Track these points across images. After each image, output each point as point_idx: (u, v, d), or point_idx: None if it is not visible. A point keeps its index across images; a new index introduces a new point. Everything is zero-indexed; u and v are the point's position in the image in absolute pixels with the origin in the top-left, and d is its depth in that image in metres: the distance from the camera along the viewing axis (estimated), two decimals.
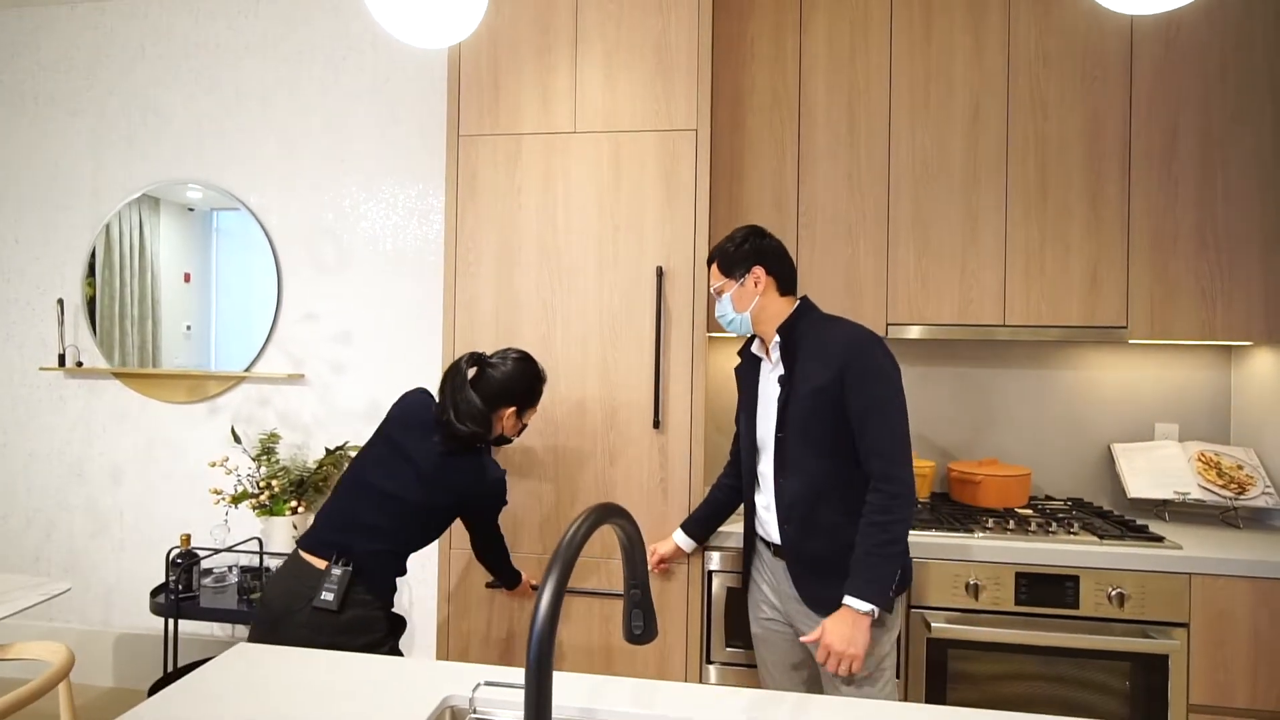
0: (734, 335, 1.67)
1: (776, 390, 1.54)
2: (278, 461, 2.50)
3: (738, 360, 1.71)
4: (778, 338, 1.53)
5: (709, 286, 1.65)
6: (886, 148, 2.13)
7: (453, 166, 2.01)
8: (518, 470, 1.98)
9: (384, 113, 2.60)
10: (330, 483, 2.51)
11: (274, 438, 2.53)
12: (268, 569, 2.39)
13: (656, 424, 1.90)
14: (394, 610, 1.67)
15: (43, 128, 2.80)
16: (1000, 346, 2.34)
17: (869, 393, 1.42)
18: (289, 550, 2.07)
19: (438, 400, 1.62)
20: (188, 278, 2.66)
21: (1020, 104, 2.07)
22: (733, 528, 1.89)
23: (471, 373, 1.64)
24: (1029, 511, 2.08)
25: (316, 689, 1.07)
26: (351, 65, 2.62)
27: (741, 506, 1.81)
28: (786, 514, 1.53)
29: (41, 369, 2.73)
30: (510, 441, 1.80)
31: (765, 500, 1.59)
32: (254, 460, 2.49)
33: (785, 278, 1.57)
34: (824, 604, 1.48)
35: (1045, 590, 1.78)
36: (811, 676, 1.62)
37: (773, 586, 1.61)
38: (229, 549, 2.40)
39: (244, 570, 2.44)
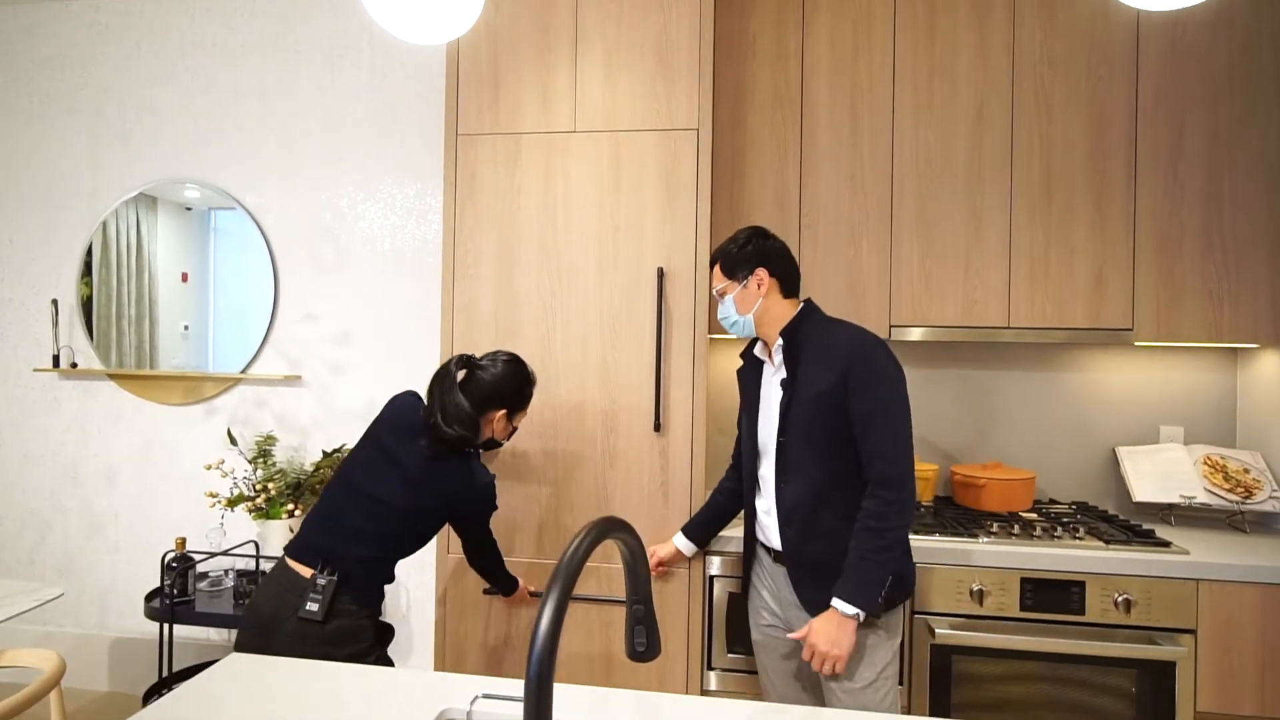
0: (736, 337, 1.64)
1: (779, 394, 1.52)
2: (274, 464, 2.47)
3: (739, 361, 1.68)
4: (780, 341, 1.51)
5: (711, 288, 1.62)
6: (890, 147, 2.10)
7: (451, 166, 1.98)
8: (516, 474, 1.96)
9: (382, 111, 2.58)
10: None
11: (270, 440, 2.50)
12: (263, 572, 2.36)
13: (657, 427, 1.88)
14: (382, 618, 1.64)
15: (38, 126, 2.77)
16: (1004, 348, 2.31)
17: (872, 397, 1.40)
18: None
19: (426, 403, 1.60)
20: (185, 277, 2.64)
21: (1025, 104, 2.05)
22: (734, 532, 1.87)
23: (461, 375, 1.62)
24: (1033, 516, 2.05)
25: (311, 701, 1.05)
26: (349, 64, 2.59)
27: (742, 511, 1.79)
28: (787, 518, 1.50)
29: (36, 370, 2.70)
30: (500, 446, 1.77)
31: (766, 505, 1.57)
32: (250, 463, 2.46)
33: (789, 280, 1.55)
34: (823, 610, 1.46)
35: (1051, 596, 1.76)
36: (812, 683, 1.60)
37: (773, 593, 1.59)
38: (225, 553, 2.38)
39: (240, 574, 2.42)
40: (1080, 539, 1.84)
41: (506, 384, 1.63)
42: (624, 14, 1.91)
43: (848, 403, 1.42)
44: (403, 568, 2.56)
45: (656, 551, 1.83)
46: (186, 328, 2.64)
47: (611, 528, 0.59)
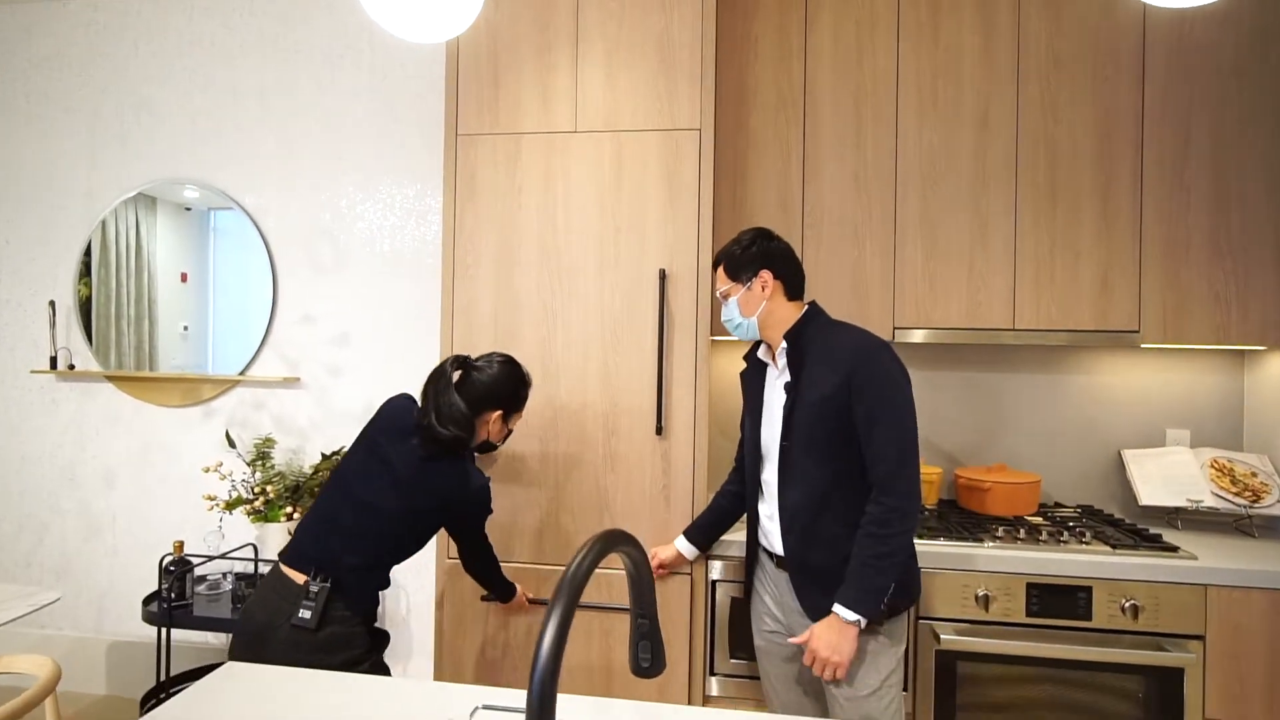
0: (740, 339, 1.62)
1: (782, 398, 1.50)
2: (273, 466, 2.45)
3: (742, 363, 1.67)
4: (785, 344, 1.49)
5: (714, 290, 1.60)
6: (894, 148, 2.08)
7: (451, 166, 1.96)
8: (516, 477, 1.94)
9: (382, 111, 2.56)
10: None
11: (269, 442, 2.49)
12: (262, 576, 2.34)
13: (659, 430, 1.86)
14: (378, 624, 1.62)
15: (35, 126, 2.75)
16: (1008, 350, 2.29)
17: (876, 401, 1.38)
18: None
19: (420, 404, 1.58)
20: (185, 278, 2.62)
21: (1030, 104, 2.03)
22: (736, 536, 1.85)
23: (456, 376, 1.60)
24: (1039, 520, 2.04)
25: (308, 713, 1.03)
26: (349, 63, 2.58)
27: (745, 515, 1.77)
28: (789, 523, 1.49)
29: (33, 371, 2.68)
30: (495, 448, 1.75)
31: (769, 510, 1.55)
32: (249, 465, 2.44)
33: (793, 282, 1.53)
34: (826, 616, 1.44)
35: (1057, 601, 1.74)
36: (816, 690, 1.58)
37: (775, 598, 1.57)
38: (223, 556, 2.36)
39: (239, 577, 2.40)
40: (1087, 543, 1.82)
41: (502, 385, 1.62)
42: (625, 13, 1.89)
43: (851, 407, 1.40)
44: (403, 571, 2.55)
45: (658, 553, 1.81)
46: (186, 328, 2.62)
47: (615, 541, 0.57)
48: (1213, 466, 2.06)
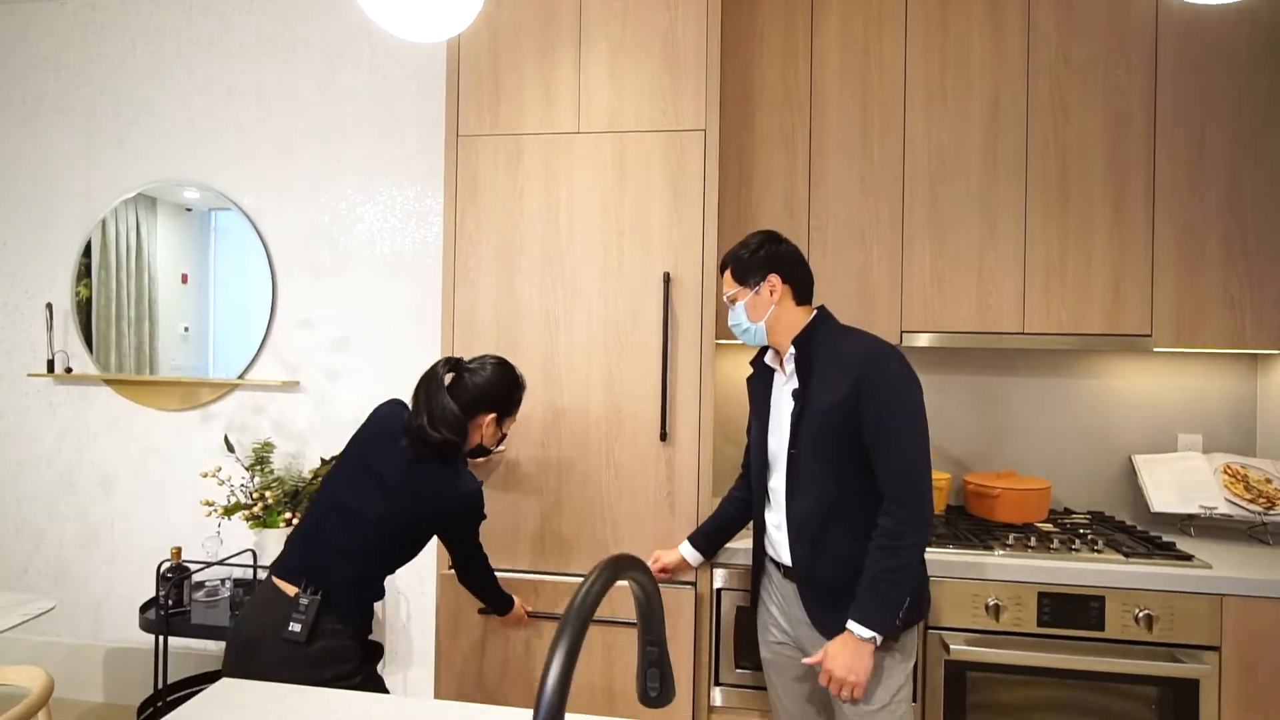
0: (747, 344, 1.59)
1: (790, 404, 1.46)
2: (272, 471, 2.42)
3: (748, 367, 1.63)
4: (793, 349, 1.46)
5: (722, 294, 1.57)
6: (901, 148, 2.05)
7: (451, 168, 1.93)
8: (517, 484, 1.91)
9: (382, 112, 2.53)
10: None
11: (268, 447, 2.46)
12: (261, 582, 2.32)
13: (663, 436, 1.83)
14: (372, 636, 1.58)
15: (32, 127, 2.73)
16: (1017, 354, 2.26)
17: (886, 409, 1.35)
18: None
19: (411, 408, 1.55)
20: (185, 278, 2.60)
21: (1040, 103, 2.00)
22: (741, 544, 1.82)
23: (449, 379, 1.57)
24: (1050, 527, 2.00)
25: None
26: (348, 63, 2.55)
27: (752, 523, 1.74)
28: (798, 533, 1.45)
29: (30, 375, 2.66)
30: (489, 453, 1.72)
31: (776, 519, 1.52)
32: (247, 470, 2.42)
33: (802, 286, 1.50)
34: (835, 630, 1.41)
35: (1069, 611, 1.71)
36: (824, 704, 1.55)
37: (782, 609, 1.54)
38: (221, 562, 2.33)
39: (237, 584, 2.37)
40: (1099, 551, 1.79)
41: (496, 387, 1.58)
42: (629, 11, 1.86)
43: (861, 415, 1.36)
44: (403, 578, 2.52)
45: (660, 557, 1.78)
46: (186, 329, 2.59)
47: (623, 567, 0.54)
48: (1226, 472, 2.02)
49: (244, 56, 2.60)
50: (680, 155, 1.84)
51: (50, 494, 2.73)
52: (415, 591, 2.52)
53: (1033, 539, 1.86)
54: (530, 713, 1.00)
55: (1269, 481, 1.98)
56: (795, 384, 1.46)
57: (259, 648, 1.44)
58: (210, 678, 2.49)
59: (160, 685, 2.28)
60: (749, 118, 2.11)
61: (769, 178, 2.10)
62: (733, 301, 1.52)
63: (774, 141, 2.10)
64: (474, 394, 1.56)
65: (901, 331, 2.05)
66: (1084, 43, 1.98)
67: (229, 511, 2.34)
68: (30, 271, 2.73)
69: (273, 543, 2.35)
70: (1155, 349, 1.96)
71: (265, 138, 2.59)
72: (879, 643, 1.35)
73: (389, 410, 1.60)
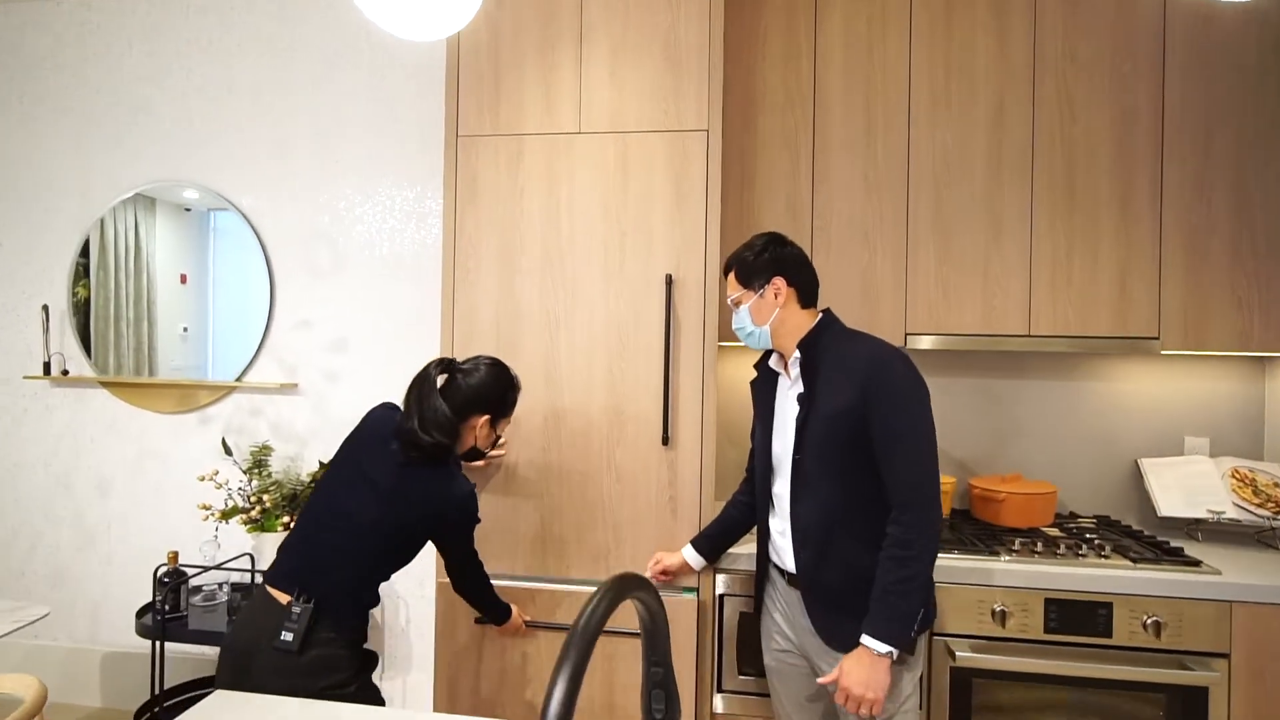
0: (752, 348, 1.57)
1: (795, 409, 1.44)
2: (270, 475, 2.40)
3: (751, 368, 1.61)
4: (798, 353, 1.44)
5: (726, 297, 1.55)
6: (906, 148, 2.03)
7: (451, 168, 1.91)
8: (517, 489, 1.89)
9: (381, 112, 2.51)
10: None
11: (266, 450, 2.43)
12: (259, 586, 2.29)
13: (665, 440, 1.81)
14: (367, 644, 1.56)
15: (29, 127, 2.70)
16: (1022, 356, 2.24)
17: (893, 415, 1.32)
18: None
19: (403, 410, 1.52)
20: (184, 279, 2.58)
21: (1046, 103, 1.98)
22: (744, 549, 1.80)
23: (441, 380, 1.54)
24: (1056, 532, 1.98)
25: None
26: (347, 63, 2.52)
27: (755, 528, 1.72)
28: (802, 540, 1.43)
29: (26, 377, 2.63)
30: (483, 456, 1.68)
31: (780, 525, 1.50)
32: (245, 473, 2.39)
33: (807, 289, 1.48)
34: (840, 638, 1.39)
35: (1076, 618, 1.69)
36: (828, 712, 1.53)
37: (786, 617, 1.52)
38: (218, 566, 2.31)
39: (235, 588, 2.35)
40: (1106, 557, 1.77)
41: (490, 388, 1.56)
42: (630, 10, 1.84)
43: (868, 420, 1.34)
44: (403, 582, 2.49)
45: (662, 559, 1.76)
46: (186, 329, 2.57)
47: (628, 587, 0.52)
48: (1234, 476, 2.00)
49: (242, 56, 2.58)
50: (683, 156, 1.82)
51: (47, 497, 2.70)
52: (415, 596, 2.50)
53: (1039, 544, 1.84)
54: None
55: (1277, 486, 1.96)
56: (800, 388, 1.43)
57: (252, 657, 1.42)
58: (208, 683, 2.47)
59: (157, 691, 2.26)
60: (751, 118, 2.09)
61: (772, 178, 2.08)
62: (737, 305, 1.50)
63: (777, 142, 2.08)
64: (467, 395, 1.53)
65: (906, 333, 2.02)
66: (1090, 40, 1.96)
67: (226, 515, 2.32)
68: (27, 273, 2.71)
69: (270, 547, 2.33)
70: (1162, 351, 1.94)
71: (263, 138, 2.57)
72: (895, 657, 1.31)
73: (381, 414, 1.58)
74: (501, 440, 1.86)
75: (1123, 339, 1.94)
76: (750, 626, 1.79)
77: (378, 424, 1.55)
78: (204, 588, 2.37)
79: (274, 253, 2.56)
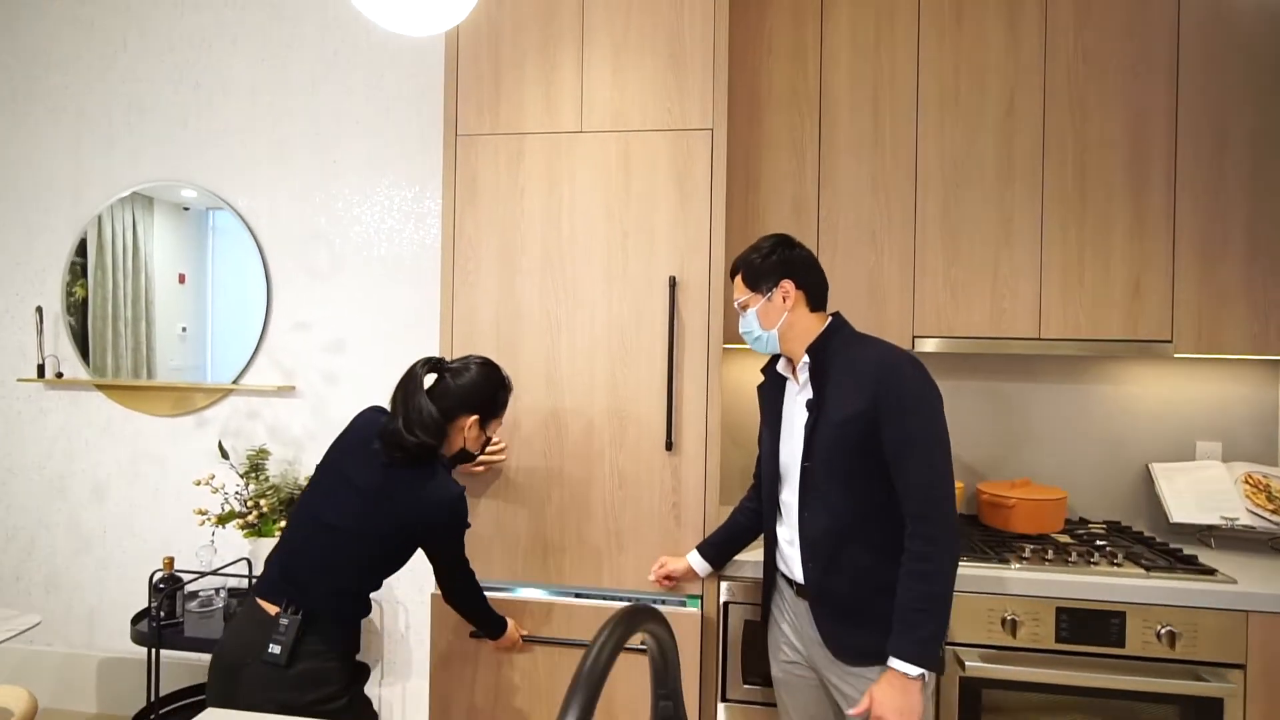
0: (759, 352, 1.53)
1: (803, 415, 1.41)
2: (267, 479, 2.37)
3: (756, 371, 1.57)
4: (807, 358, 1.40)
5: (734, 300, 1.51)
6: (914, 147, 1.99)
7: (450, 168, 1.87)
8: (517, 495, 1.85)
9: (379, 110, 2.47)
10: None
11: (263, 454, 2.40)
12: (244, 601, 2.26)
13: (669, 445, 1.77)
14: (370, 643, 1.52)
15: (20, 127, 2.67)
16: (1032, 359, 2.20)
17: (906, 423, 1.28)
18: None
19: (390, 411, 1.48)
20: (182, 279, 2.54)
21: (1058, 102, 1.94)
22: (750, 555, 1.77)
23: (430, 380, 1.50)
24: (1068, 539, 1.94)
25: None
26: (344, 60, 2.49)
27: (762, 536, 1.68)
28: (811, 550, 1.39)
29: (20, 380, 2.60)
30: (473, 458, 1.64)
31: (788, 534, 1.46)
32: (242, 477, 2.36)
33: (816, 292, 1.44)
34: (850, 651, 1.35)
35: (1088, 627, 1.65)
36: None
37: (794, 627, 1.48)
38: (215, 572, 2.28)
39: (232, 594, 2.32)
40: (1118, 565, 1.74)
41: (479, 388, 1.52)
42: (632, 7, 1.80)
43: (879, 427, 1.30)
44: (402, 587, 2.46)
45: (667, 563, 1.72)
46: (184, 329, 2.54)
47: (637, 621, 0.49)
48: (1247, 482, 1.97)
49: (237, 53, 2.54)
50: (686, 155, 1.78)
51: (41, 501, 2.67)
52: (414, 601, 2.47)
53: (1050, 551, 1.81)
54: None
55: None
56: (809, 394, 1.40)
57: (240, 670, 1.38)
58: (204, 690, 2.44)
59: (153, 698, 2.22)
60: (756, 117, 2.05)
61: (777, 178, 2.04)
62: (744, 308, 1.46)
63: (782, 142, 2.04)
64: (456, 396, 1.49)
65: (913, 336, 1.99)
66: (1103, 39, 1.92)
67: (223, 520, 2.28)
68: (20, 274, 2.67)
69: (268, 552, 2.29)
70: (1176, 355, 1.90)
71: (260, 137, 2.53)
72: (927, 679, 1.26)
73: (368, 417, 1.54)
74: (500, 444, 1.83)
75: (1135, 342, 1.90)
76: (755, 635, 1.76)
77: (363, 427, 1.51)
78: (200, 593, 2.34)
79: (271, 253, 2.53)
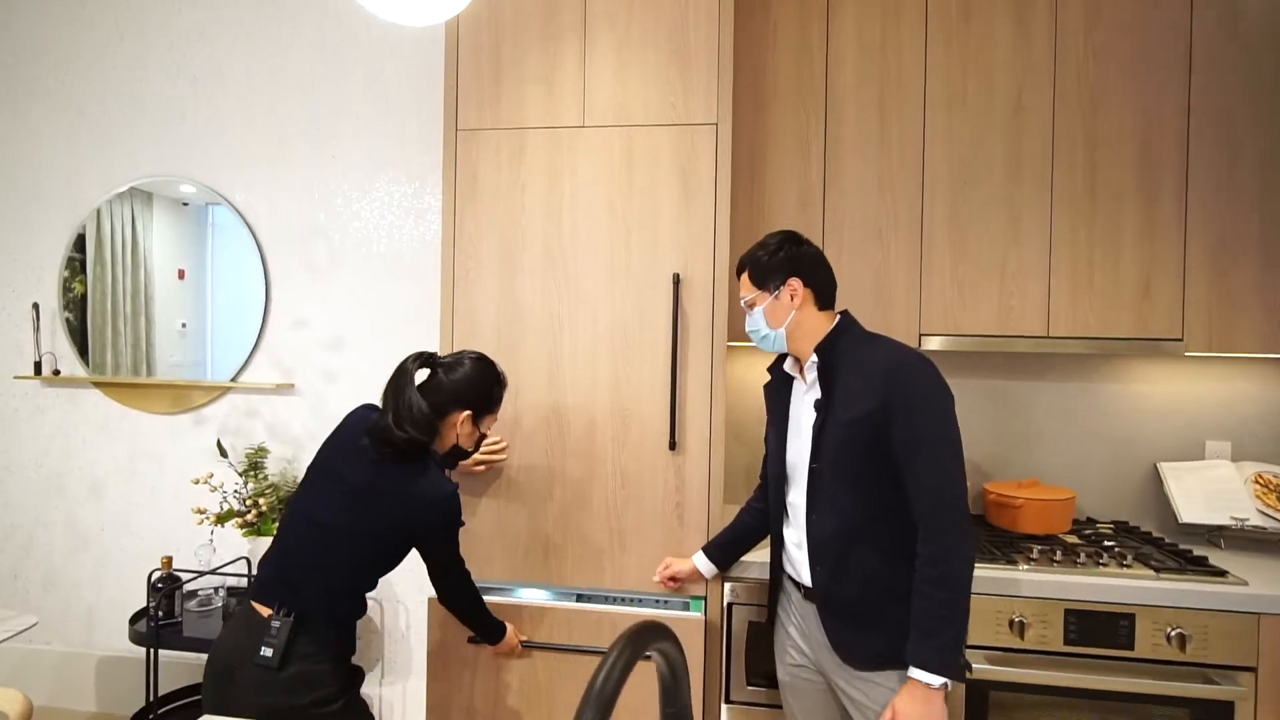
0: (766, 351, 1.50)
1: (811, 415, 1.38)
2: (266, 477, 2.35)
3: (761, 370, 1.55)
4: (815, 357, 1.38)
5: (740, 298, 1.48)
6: (921, 144, 1.96)
7: (450, 163, 1.85)
8: (519, 495, 1.83)
9: (378, 105, 2.44)
10: None
11: (262, 452, 2.38)
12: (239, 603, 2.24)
13: (673, 445, 1.75)
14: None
15: (17, 122, 2.64)
16: (1040, 358, 2.18)
17: (916, 423, 1.26)
18: None
19: (381, 407, 1.46)
20: (182, 274, 2.52)
21: (1067, 100, 1.91)
22: (754, 557, 1.74)
23: (422, 374, 1.48)
24: (1076, 540, 1.92)
25: None
26: (343, 53, 2.46)
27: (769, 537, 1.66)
28: (818, 553, 1.37)
29: (16, 377, 2.58)
30: (468, 455, 1.61)
31: (796, 536, 1.44)
32: (241, 476, 2.34)
33: (824, 290, 1.41)
34: (858, 656, 1.33)
35: (1097, 629, 1.63)
36: None
37: (801, 631, 1.46)
38: (213, 571, 2.26)
39: (231, 593, 2.30)
40: (1128, 566, 1.71)
41: (473, 384, 1.50)
42: (635, 0, 1.77)
43: (889, 428, 1.28)
44: (403, 585, 2.44)
45: (672, 564, 1.70)
46: (184, 325, 2.52)
47: (647, 640, 0.46)
48: (1257, 482, 1.95)
49: (234, 45, 2.51)
50: (690, 150, 1.75)
51: (39, 499, 2.65)
52: (415, 600, 2.45)
53: (1058, 552, 1.78)
54: None
55: None
56: (817, 394, 1.37)
57: (234, 674, 1.37)
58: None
59: (152, 698, 2.21)
60: (761, 112, 2.02)
61: (782, 174, 2.02)
62: (750, 306, 1.43)
63: (787, 137, 2.01)
64: (448, 391, 1.47)
65: (920, 334, 1.96)
66: (1114, 33, 1.89)
67: (221, 519, 2.27)
68: (16, 271, 2.64)
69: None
70: (1187, 354, 1.87)
71: (257, 131, 2.50)
72: (950, 689, 1.22)
73: (360, 414, 1.51)
74: (501, 443, 1.81)
75: (1146, 340, 1.88)
76: (759, 636, 1.74)
77: (355, 425, 1.49)
78: (199, 593, 2.32)
79: (269, 249, 2.50)
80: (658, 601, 1.77)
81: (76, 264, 2.57)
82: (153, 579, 2.20)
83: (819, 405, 1.35)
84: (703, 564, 1.69)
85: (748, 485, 2.25)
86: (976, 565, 1.70)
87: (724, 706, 1.78)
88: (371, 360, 2.46)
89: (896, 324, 1.96)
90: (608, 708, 0.43)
